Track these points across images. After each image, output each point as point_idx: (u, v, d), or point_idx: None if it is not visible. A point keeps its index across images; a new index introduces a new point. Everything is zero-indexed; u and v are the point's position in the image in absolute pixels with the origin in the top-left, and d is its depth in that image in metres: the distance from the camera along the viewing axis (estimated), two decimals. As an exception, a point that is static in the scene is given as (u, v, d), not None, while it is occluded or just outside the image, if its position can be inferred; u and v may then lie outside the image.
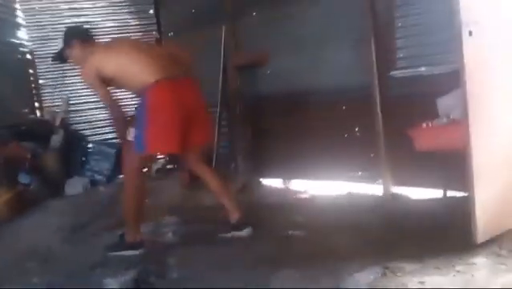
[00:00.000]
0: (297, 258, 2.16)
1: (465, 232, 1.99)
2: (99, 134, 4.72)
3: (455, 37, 1.89)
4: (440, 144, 2.43)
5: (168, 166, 4.62)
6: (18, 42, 4.56)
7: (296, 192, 3.49)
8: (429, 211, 2.57)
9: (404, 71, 2.95)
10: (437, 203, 2.65)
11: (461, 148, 1.99)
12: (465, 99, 1.91)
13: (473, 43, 1.88)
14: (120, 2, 4.84)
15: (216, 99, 4.02)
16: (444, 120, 2.47)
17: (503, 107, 2.05)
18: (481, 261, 1.87)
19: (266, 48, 3.66)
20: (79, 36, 2.60)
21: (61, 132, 4.27)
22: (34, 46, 4.62)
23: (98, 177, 4.27)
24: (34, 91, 4.70)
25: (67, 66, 3.84)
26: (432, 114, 2.54)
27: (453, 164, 2.27)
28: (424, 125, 2.53)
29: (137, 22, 4.89)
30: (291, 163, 3.62)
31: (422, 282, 1.75)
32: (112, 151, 4.25)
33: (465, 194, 2.15)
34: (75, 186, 4.08)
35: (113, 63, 2.44)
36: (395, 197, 2.98)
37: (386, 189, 3.04)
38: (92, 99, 4.50)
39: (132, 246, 2.46)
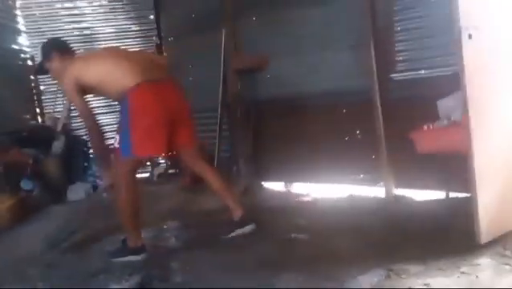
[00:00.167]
0: (300, 261, 2.16)
1: (468, 233, 2.00)
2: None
3: (455, 40, 1.90)
4: (441, 146, 2.44)
5: (170, 171, 4.62)
6: (18, 48, 4.59)
7: (298, 195, 3.48)
8: (432, 213, 2.57)
9: (404, 73, 2.97)
10: (440, 205, 2.66)
11: (462, 149, 1.99)
12: (466, 101, 1.92)
13: (472, 46, 1.89)
14: (120, 8, 4.86)
15: (216, 103, 4.04)
16: (445, 122, 2.48)
17: (503, 109, 2.06)
18: (485, 261, 1.87)
19: (266, 52, 3.68)
20: (57, 48, 2.58)
21: (62, 138, 4.27)
22: (34, 52, 4.63)
23: (100, 183, 4.27)
24: (35, 97, 4.71)
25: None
26: (433, 116, 2.54)
27: (455, 166, 2.27)
28: (425, 127, 2.53)
29: (137, 28, 4.91)
30: (293, 166, 3.62)
31: (427, 284, 1.75)
32: (114, 156, 4.26)
33: (468, 195, 2.14)
34: (77, 192, 4.08)
35: (93, 70, 2.42)
36: (397, 199, 2.99)
37: (388, 192, 3.04)
38: (93, 105, 4.50)
39: (134, 252, 2.45)
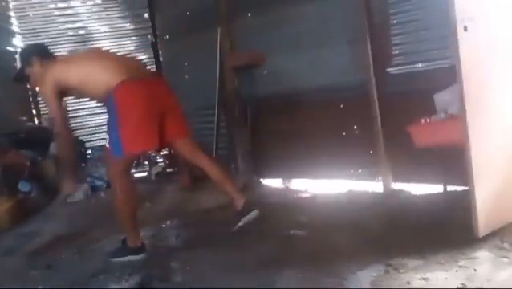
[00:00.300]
0: (300, 258, 2.16)
1: (466, 226, 2.00)
2: (98, 140, 4.72)
3: (451, 33, 1.90)
4: (438, 140, 2.43)
5: (168, 170, 4.62)
6: (13, 49, 4.56)
7: (296, 191, 3.49)
8: (430, 206, 2.57)
9: (400, 67, 2.96)
10: (438, 198, 2.66)
11: (459, 142, 1.99)
12: (462, 94, 1.92)
13: (468, 39, 1.89)
14: (115, 7, 4.84)
15: (214, 100, 4.03)
16: (442, 115, 2.47)
17: (501, 102, 2.06)
18: (483, 255, 1.87)
19: (263, 49, 3.67)
20: (37, 53, 2.54)
21: (59, 139, 4.26)
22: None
23: (98, 183, 4.26)
24: (31, 99, 4.69)
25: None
26: (430, 110, 2.54)
27: (453, 159, 2.27)
28: (423, 121, 2.53)
29: (132, 27, 4.89)
30: (291, 162, 3.62)
31: (425, 278, 1.76)
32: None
33: (465, 188, 2.15)
34: (75, 193, 4.07)
35: (75, 72, 2.40)
36: (395, 193, 2.99)
37: (386, 186, 3.04)
38: (90, 105, 4.50)
39: (134, 251, 2.45)
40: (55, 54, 2.73)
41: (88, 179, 4.29)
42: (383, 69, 2.99)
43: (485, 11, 1.97)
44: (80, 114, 4.76)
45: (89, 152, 4.53)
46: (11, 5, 4.61)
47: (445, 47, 2.57)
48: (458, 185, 2.54)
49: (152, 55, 4.82)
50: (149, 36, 4.86)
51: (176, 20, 4.50)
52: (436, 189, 2.74)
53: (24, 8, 4.65)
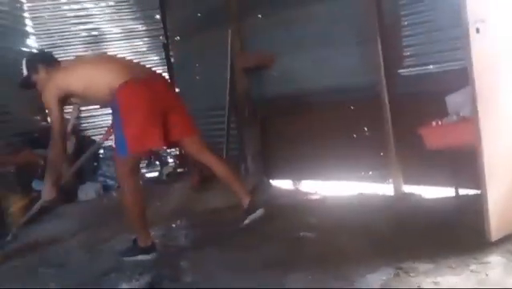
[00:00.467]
0: (309, 260, 2.16)
1: (478, 230, 1.98)
2: (111, 139, 4.76)
3: (463, 35, 1.88)
4: (450, 142, 2.41)
5: (179, 170, 4.65)
6: (27, 50, 4.63)
7: (306, 193, 3.49)
8: (441, 210, 2.55)
9: (411, 69, 2.94)
10: (449, 201, 2.63)
11: (471, 145, 1.97)
12: (475, 97, 1.90)
13: (480, 41, 1.87)
14: (127, 8, 4.89)
15: (224, 101, 4.04)
16: (454, 117, 2.44)
17: (510, 103, 2.03)
18: (495, 259, 1.85)
19: (273, 50, 3.67)
20: (43, 60, 2.58)
21: (72, 139, 4.31)
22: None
23: (110, 182, 4.30)
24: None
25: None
26: (441, 112, 2.52)
27: (465, 162, 2.25)
28: (434, 123, 2.51)
29: (144, 28, 4.93)
30: (301, 164, 3.62)
31: (436, 283, 1.74)
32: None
33: (478, 192, 2.12)
34: (87, 192, 4.13)
35: (79, 76, 2.43)
36: (406, 196, 2.96)
37: (397, 189, 3.02)
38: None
39: (144, 251, 2.48)
40: (63, 57, 2.78)
41: (100, 178, 4.35)
42: (394, 70, 2.97)
43: (496, 13, 1.95)
44: (93, 114, 4.82)
45: (101, 151, 4.57)
46: (26, 6, 4.68)
47: (457, 49, 2.54)
48: (470, 187, 2.51)
49: (164, 56, 4.86)
50: (161, 37, 4.90)
51: (187, 21, 4.53)
52: (447, 191, 2.71)
53: (38, 9, 4.72)
